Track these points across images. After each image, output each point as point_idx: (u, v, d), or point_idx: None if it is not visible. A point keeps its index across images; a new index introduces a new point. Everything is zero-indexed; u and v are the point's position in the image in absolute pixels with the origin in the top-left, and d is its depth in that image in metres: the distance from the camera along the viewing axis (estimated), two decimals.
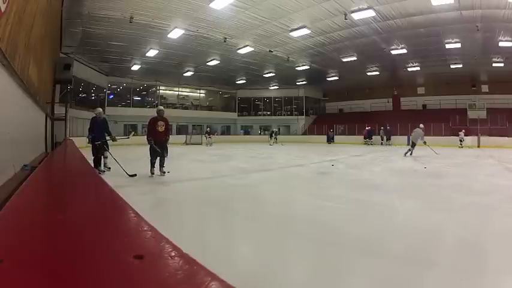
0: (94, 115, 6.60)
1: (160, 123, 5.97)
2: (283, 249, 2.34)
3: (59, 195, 1.51)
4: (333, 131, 23.91)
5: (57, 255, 0.60)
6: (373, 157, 11.04)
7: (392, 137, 20.43)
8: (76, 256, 0.60)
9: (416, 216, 3.29)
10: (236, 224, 3.07)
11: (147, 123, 6.44)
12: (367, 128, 21.45)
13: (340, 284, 1.82)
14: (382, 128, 20.68)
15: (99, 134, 6.36)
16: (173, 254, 0.58)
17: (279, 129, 24.75)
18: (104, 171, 6.30)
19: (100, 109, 6.81)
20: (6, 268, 0.52)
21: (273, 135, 21.57)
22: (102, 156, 6.51)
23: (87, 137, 6.56)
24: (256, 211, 3.52)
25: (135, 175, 5.65)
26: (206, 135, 20.31)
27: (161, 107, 6.27)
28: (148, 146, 5.93)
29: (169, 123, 6.34)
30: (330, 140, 23.02)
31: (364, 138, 21.26)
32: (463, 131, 18.13)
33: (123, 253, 0.60)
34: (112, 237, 0.74)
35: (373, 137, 20.86)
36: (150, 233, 0.73)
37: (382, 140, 20.50)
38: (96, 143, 6.27)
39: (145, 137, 6.04)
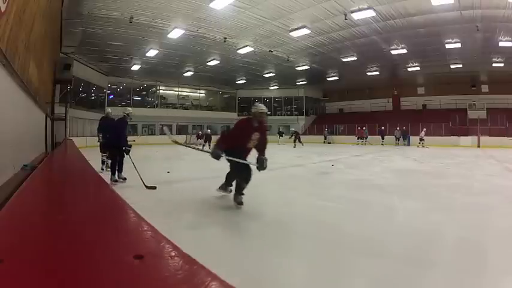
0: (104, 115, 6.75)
1: (255, 136, 3.60)
2: (283, 249, 2.34)
3: (59, 195, 1.51)
4: (328, 130, 23.79)
5: (57, 255, 0.60)
6: (373, 157, 11.04)
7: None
8: (76, 256, 0.60)
9: (416, 216, 3.29)
10: (236, 223, 3.07)
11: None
12: (358, 128, 21.38)
13: (340, 284, 1.82)
14: (397, 128, 20.22)
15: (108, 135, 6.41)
16: (173, 254, 0.58)
17: (279, 129, 24.60)
18: (119, 180, 5.27)
19: (109, 109, 6.95)
20: (6, 268, 0.52)
21: (294, 136, 18.26)
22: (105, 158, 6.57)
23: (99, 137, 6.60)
24: (256, 211, 3.51)
25: (155, 188, 4.59)
26: (200, 139, 16.30)
27: (262, 106, 3.70)
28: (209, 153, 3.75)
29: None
30: (326, 139, 22.73)
31: (358, 138, 21.12)
32: (425, 129, 18.33)
33: (123, 253, 0.60)
34: (112, 237, 0.74)
35: (385, 137, 20.49)
36: (150, 233, 0.73)
37: (397, 140, 19.94)
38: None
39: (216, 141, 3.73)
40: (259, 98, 29.04)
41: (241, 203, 3.53)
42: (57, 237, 0.75)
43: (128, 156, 5.17)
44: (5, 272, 0.50)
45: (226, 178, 3.93)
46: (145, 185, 4.61)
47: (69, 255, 0.60)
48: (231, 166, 3.68)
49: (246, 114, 30.19)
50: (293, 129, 19.22)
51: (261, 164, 3.58)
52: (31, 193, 1.46)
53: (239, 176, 3.59)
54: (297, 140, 18.18)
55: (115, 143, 5.18)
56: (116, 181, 5.12)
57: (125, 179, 5.21)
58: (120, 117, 5.38)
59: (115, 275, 0.52)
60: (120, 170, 5.24)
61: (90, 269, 0.54)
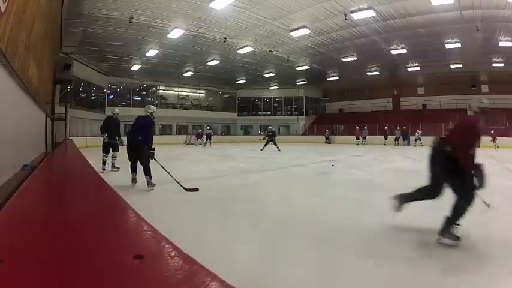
0: (111, 115, 6.98)
1: None
2: (283, 249, 2.34)
3: (59, 195, 1.51)
4: (329, 130, 24.12)
5: (57, 255, 0.60)
6: (373, 157, 11.04)
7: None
8: (76, 256, 0.60)
9: (416, 216, 3.29)
10: (236, 224, 3.07)
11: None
12: (357, 128, 21.40)
13: (340, 284, 1.82)
14: (398, 128, 20.34)
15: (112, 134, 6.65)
16: (173, 254, 0.58)
17: (278, 128, 24.56)
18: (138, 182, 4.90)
19: (116, 109, 7.21)
20: (6, 268, 0.52)
21: (268, 136, 14.12)
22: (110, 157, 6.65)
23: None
24: (256, 211, 3.51)
25: (197, 189, 4.43)
26: (200, 138, 18.79)
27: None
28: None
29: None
30: (328, 140, 23.26)
31: (357, 138, 21.14)
32: (419, 131, 19.12)
33: (123, 253, 0.60)
34: (112, 237, 0.74)
35: (388, 137, 20.55)
36: (150, 233, 0.73)
37: (397, 140, 20.14)
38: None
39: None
40: (259, 98, 29.12)
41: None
42: (57, 237, 0.75)
43: (153, 159, 4.71)
44: (5, 272, 0.50)
45: (416, 193, 2.87)
46: (184, 188, 4.37)
47: (69, 255, 0.60)
48: (467, 184, 2.56)
49: (246, 114, 28.87)
50: (270, 127, 15.27)
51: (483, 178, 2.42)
52: (31, 193, 1.46)
53: (473, 197, 2.52)
54: (270, 142, 13.74)
55: (139, 142, 4.59)
56: (154, 186, 4.61)
57: (154, 185, 4.67)
58: (143, 115, 4.88)
59: (115, 275, 0.52)
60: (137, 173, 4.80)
61: (90, 269, 0.54)
